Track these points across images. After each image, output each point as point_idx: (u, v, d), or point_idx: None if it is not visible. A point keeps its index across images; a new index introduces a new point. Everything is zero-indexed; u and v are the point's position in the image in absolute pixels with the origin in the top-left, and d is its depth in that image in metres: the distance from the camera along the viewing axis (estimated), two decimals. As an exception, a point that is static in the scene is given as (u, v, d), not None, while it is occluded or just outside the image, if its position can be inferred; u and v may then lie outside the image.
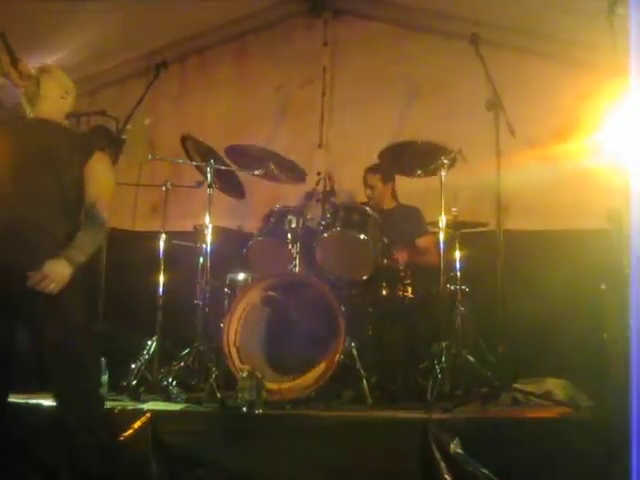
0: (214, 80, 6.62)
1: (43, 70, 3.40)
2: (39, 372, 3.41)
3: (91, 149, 3.31)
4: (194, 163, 5.02)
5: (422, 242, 5.36)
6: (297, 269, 4.49)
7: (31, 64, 3.40)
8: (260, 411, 3.80)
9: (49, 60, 3.97)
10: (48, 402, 3.87)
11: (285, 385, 4.16)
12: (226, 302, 4.82)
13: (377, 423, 3.69)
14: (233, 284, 4.88)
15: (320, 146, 6.30)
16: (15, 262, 3.03)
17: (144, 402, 4.18)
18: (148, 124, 5.61)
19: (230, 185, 5.28)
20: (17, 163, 3.20)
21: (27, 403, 3.88)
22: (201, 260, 4.92)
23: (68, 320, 3.13)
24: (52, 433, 3.52)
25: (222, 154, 4.99)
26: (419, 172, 4.66)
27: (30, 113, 3.37)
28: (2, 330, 3.14)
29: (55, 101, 3.39)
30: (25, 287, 2.98)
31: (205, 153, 4.96)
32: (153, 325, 4.88)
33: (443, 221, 4.45)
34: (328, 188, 4.92)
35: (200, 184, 4.99)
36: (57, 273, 3.02)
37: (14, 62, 3.26)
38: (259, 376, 3.88)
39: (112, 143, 4.66)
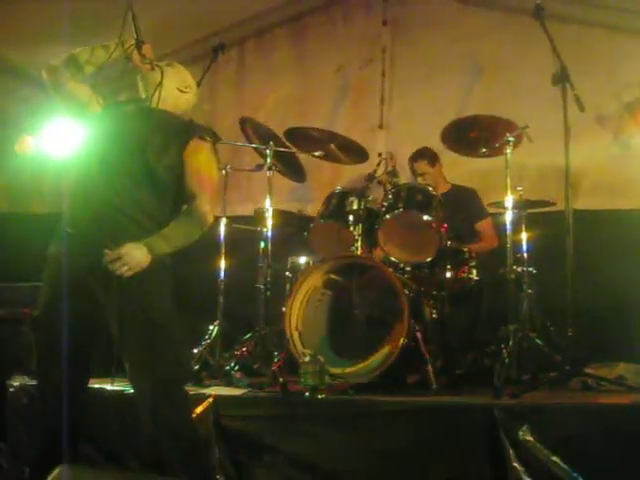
0: (273, 63, 6.58)
1: (168, 64, 3.34)
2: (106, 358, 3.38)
3: (188, 137, 3.13)
4: (253, 145, 5.00)
5: (480, 227, 5.27)
6: (359, 251, 4.42)
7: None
8: (323, 396, 3.75)
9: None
10: (111, 387, 3.94)
11: (348, 370, 4.08)
12: (288, 286, 4.78)
13: (442, 408, 3.60)
14: (295, 267, 4.84)
15: (381, 127, 6.19)
16: (98, 245, 2.90)
17: (207, 387, 4.18)
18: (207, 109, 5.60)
19: (291, 168, 5.26)
20: (108, 147, 3.12)
21: (91, 387, 3.90)
22: (262, 244, 4.90)
23: (145, 310, 2.97)
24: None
25: (282, 137, 4.96)
26: (483, 150, 4.55)
27: (141, 100, 3.25)
28: (84, 313, 3.02)
29: (171, 91, 3.27)
30: (102, 270, 2.86)
31: (265, 136, 4.93)
32: (215, 309, 4.89)
33: (509, 201, 4.34)
34: (389, 169, 4.82)
35: (260, 167, 4.97)
36: (132, 257, 2.86)
37: (138, 45, 3.21)
38: (322, 360, 3.83)
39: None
